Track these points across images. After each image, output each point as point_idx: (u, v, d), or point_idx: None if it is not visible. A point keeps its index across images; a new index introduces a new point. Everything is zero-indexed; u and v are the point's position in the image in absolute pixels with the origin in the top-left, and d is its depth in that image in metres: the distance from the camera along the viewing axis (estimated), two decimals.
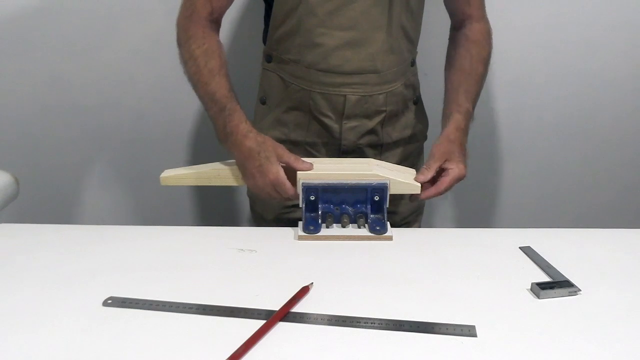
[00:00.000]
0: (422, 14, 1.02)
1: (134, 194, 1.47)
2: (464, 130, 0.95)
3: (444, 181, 0.89)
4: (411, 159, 1.10)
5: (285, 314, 0.62)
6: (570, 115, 1.41)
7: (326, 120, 1.01)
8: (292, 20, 0.96)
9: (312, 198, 0.85)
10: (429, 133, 1.14)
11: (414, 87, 1.08)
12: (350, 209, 0.86)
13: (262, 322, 0.60)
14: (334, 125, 1.01)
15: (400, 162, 1.05)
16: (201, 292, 0.67)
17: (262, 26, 1.07)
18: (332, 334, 0.59)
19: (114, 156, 1.43)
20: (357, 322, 0.61)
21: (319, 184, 0.85)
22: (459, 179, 0.90)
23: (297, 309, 0.64)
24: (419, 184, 0.86)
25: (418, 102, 1.10)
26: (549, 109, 1.41)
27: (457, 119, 0.95)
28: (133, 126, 1.40)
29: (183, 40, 0.94)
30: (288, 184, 0.86)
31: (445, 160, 0.90)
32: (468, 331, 0.60)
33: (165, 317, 0.62)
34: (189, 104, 1.39)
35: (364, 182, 0.85)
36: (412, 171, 0.90)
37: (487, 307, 0.64)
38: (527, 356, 0.56)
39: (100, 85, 1.35)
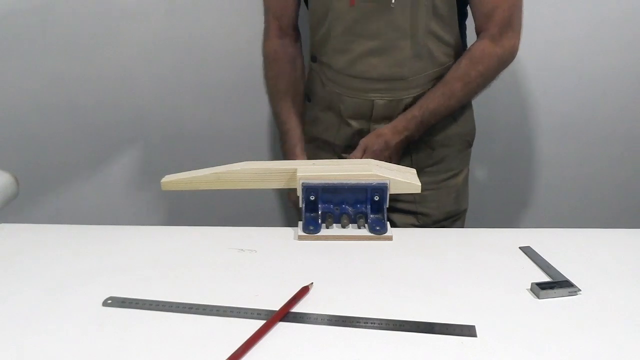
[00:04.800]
0: (456, 16, 0.99)
1: (134, 194, 1.47)
2: (400, 133, 0.98)
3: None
4: (447, 162, 1.09)
5: (285, 314, 0.62)
6: (570, 114, 1.41)
7: (354, 124, 1.03)
8: (324, 25, 0.99)
9: (312, 198, 0.85)
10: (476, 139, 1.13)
11: None
12: (350, 209, 0.86)
13: (262, 322, 0.60)
14: (362, 129, 1.02)
15: (434, 165, 1.06)
16: (201, 292, 0.67)
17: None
18: (332, 334, 0.59)
19: (114, 156, 1.43)
20: (357, 322, 0.61)
21: (319, 184, 0.85)
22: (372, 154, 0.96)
23: (297, 309, 0.64)
24: (419, 184, 0.86)
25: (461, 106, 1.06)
26: (548, 108, 1.41)
27: (399, 120, 0.99)
28: (133, 126, 1.40)
29: (263, 58, 1.10)
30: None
31: (365, 152, 0.96)
32: (468, 331, 0.60)
33: (165, 317, 0.62)
34: (189, 104, 1.39)
35: (364, 182, 0.85)
36: (413, 171, 0.90)
37: (487, 307, 0.64)
38: (527, 356, 0.56)
39: (100, 85, 1.35)
